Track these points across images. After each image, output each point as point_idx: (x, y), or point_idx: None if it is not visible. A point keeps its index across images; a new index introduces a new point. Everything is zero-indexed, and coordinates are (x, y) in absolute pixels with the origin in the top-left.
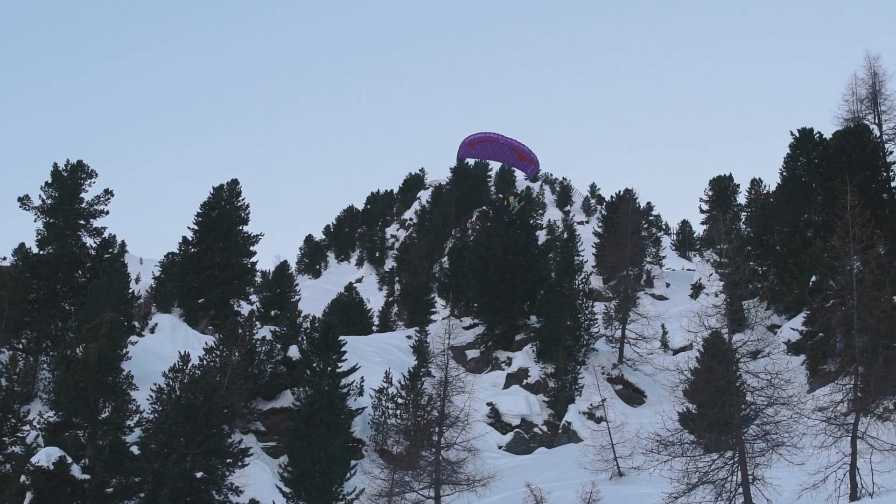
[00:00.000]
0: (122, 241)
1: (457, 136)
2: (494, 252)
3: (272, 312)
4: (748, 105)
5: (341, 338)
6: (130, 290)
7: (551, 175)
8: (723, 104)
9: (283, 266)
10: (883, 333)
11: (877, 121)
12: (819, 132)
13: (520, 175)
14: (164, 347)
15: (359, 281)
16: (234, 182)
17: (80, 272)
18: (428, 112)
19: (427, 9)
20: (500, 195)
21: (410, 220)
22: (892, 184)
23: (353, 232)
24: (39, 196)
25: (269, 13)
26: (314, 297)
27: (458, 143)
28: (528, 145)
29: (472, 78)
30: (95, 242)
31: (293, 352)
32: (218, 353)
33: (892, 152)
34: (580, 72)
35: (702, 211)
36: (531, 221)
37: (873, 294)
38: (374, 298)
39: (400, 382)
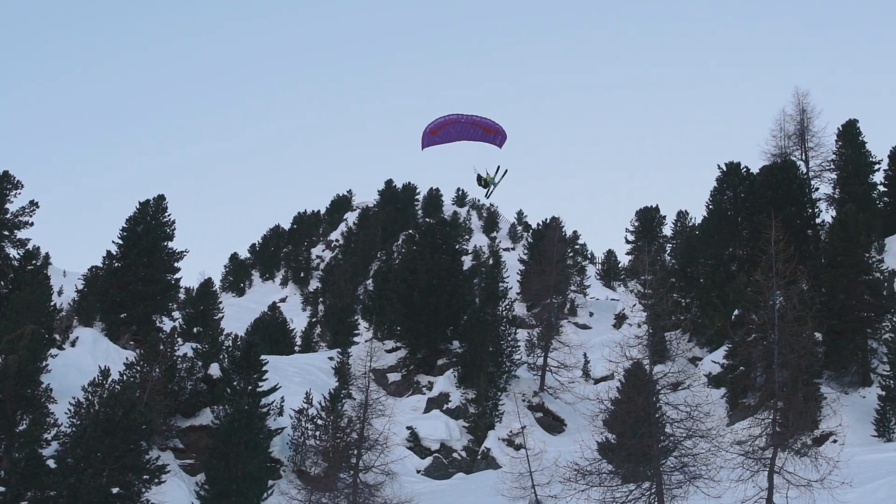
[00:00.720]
0: (46, 254)
1: (385, 159)
2: (419, 276)
3: (194, 329)
4: (677, 136)
5: (263, 357)
6: (52, 303)
7: (478, 201)
8: (652, 134)
9: (208, 283)
10: (803, 369)
11: (804, 157)
12: (746, 167)
13: (447, 200)
14: (84, 361)
15: (283, 301)
16: (161, 198)
17: (2, 283)
18: (357, 134)
19: (354, 32)
20: (428, 219)
21: (336, 241)
22: (817, 220)
23: (279, 251)
24: None
25: (197, 31)
26: (238, 315)
27: (383, 171)
28: (493, 118)
29: (399, 101)
30: (19, 254)
31: (214, 370)
32: (138, 368)
33: (817, 189)
34: (507, 97)
35: (627, 241)
36: (457, 247)
37: (794, 330)
38: (297, 319)
39: (320, 404)
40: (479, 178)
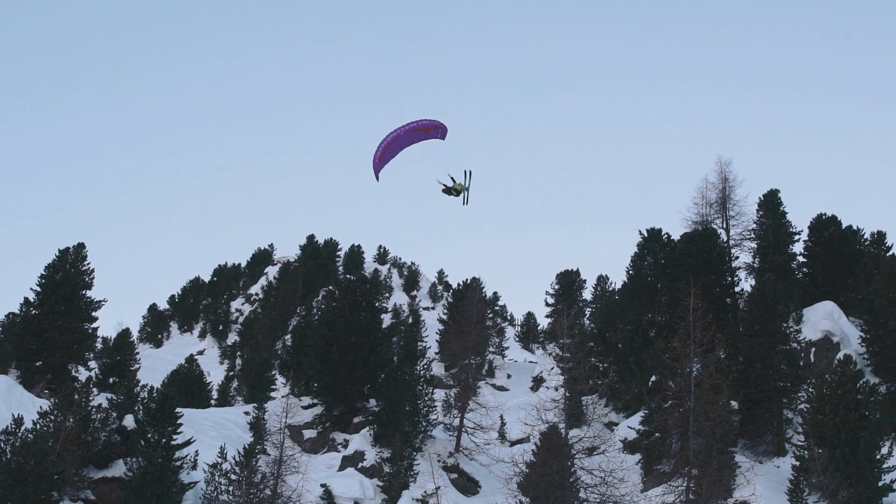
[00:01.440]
0: None
1: (307, 214)
2: (338, 333)
3: (110, 380)
4: (599, 200)
5: (178, 410)
6: None
7: (399, 259)
8: (574, 198)
9: (125, 334)
10: (718, 437)
11: (725, 225)
12: (667, 233)
13: (369, 257)
14: None
15: (200, 353)
16: (80, 246)
17: None
18: (278, 188)
19: (277, 85)
20: (349, 275)
21: (256, 295)
22: (736, 289)
23: (198, 303)
24: None
25: (121, 76)
26: (154, 366)
27: (305, 226)
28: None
29: (323, 156)
30: None
31: (129, 421)
32: (52, 417)
33: (737, 257)
34: (428, 156)
35: (547, 304)
36: (377, 304)
37: (710, 397)
38: (214, 372)
39: (235, 458)
40: (450, 189)
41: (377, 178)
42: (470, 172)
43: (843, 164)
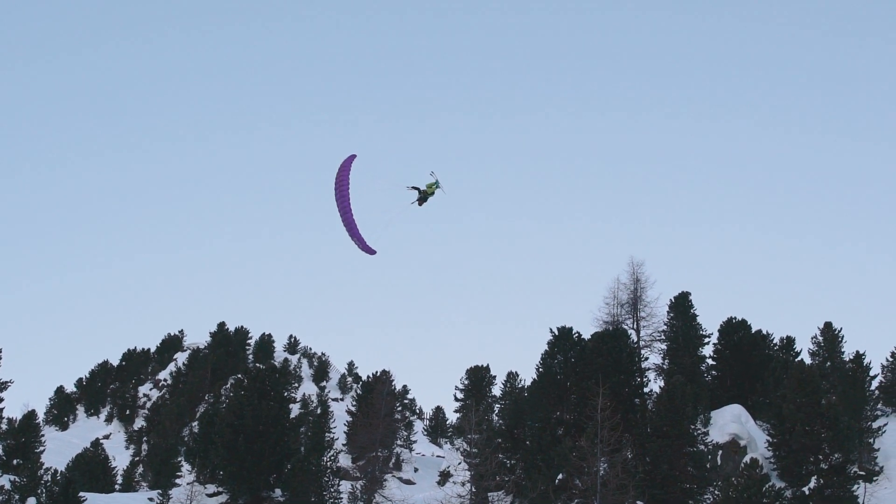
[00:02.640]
0: None
1: (218, 301)
2: (246, 421)
3: (14, 461)
4: (511, 296)
5: (82, 494)
6: None
7: (310, 349)
8: (486, 293)
9: (31, 415)
10: None
11: (635, 326)
12: (578, 332)
13: (279, 346)
14: None
15: (106, 437)
16: None
17: None
18: (190, 275)
19: (183, 175)
20: (258, 364)
21: (165, 380)
22: (646, 389)
23: (106, 387)
24: None
25: (31, 162)
26: (59, 449)
27: (217, 313)
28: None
29: (233, 244)
30: None
31: None
32: None
33: (647, 358)
34: (339, 248)
35: (456, 399)
36: (285, 394)
37: (616, 497)
38: (120, 456)
39: None
40: (424, 195)
41: (371, 250)
42: (433, 172)
43: (754, 268)
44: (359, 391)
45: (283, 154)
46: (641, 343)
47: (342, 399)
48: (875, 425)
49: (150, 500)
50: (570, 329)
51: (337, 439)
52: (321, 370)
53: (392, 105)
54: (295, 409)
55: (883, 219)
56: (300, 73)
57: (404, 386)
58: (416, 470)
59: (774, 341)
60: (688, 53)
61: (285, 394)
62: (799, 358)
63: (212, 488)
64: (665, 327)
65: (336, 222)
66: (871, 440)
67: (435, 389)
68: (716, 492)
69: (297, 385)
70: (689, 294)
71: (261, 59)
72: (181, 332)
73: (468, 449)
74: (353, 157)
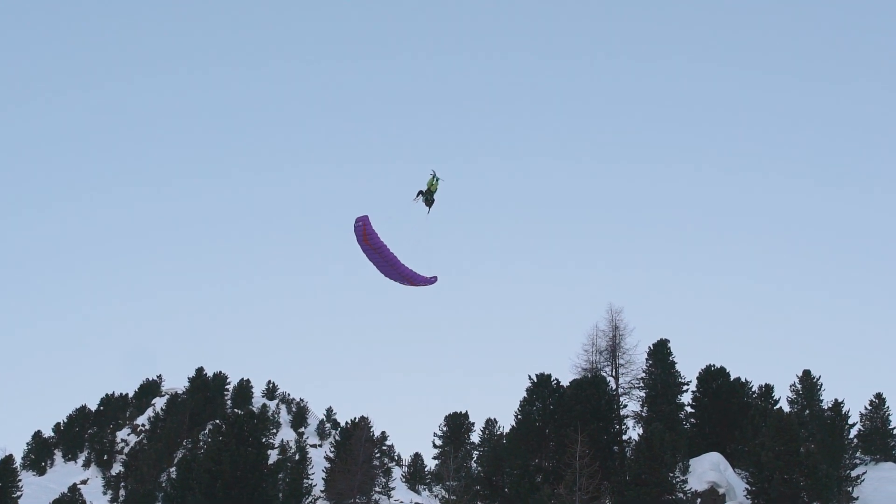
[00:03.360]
0: None
1: (196, 344)
2: (224, 467)
3: None
4: (490, 343)
5: None
6: None
7: (288, 395)
8: (465, 339)
9: (8, 460)
10: None
11: (614, 373)
12: (557, 379)
13: (258, 392)
14: None
15: (84, 483)
16: None
17: None
18: (168, 320)
19: (162, 219)
20: (237, 410)
21: (143, 426)
22: (624, 437)
23: (84, 432)
24: None
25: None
26: (37, 495)
27: (196, 352)
28: None
29: (207, 293)
30: None
31: None
32: None
33: (626, 405)
34: (320, 293)
35: (435, 445)
36: (263, 440)
37: None
38: (97, 502)
39: None
40: (429, 194)
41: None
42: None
43: (733, 315)
44: (337, 437)
45: (262, 199)
46: (620, 390)
47: (320, 445)
48: (854, 473)
49: None
50: (549, 376)
51: (315, 486)
52: (299, 416)
53: (366, 149)
54: (273, 455)
55: (862, 267)
56: (282, 125)
57: (383, 432)
58: None
59: (753, 389)
60: (664, 99)
61: (263, 440)
62: (778, 406)
63: None
64: (644, 374)
65: (315, 266)
66: (850, 488)
67: (414, 436)
68: None
69: (275, 431)
70: (668, 341)
71: (245, 113)
72: (159, 376)
73: (447, 496)
74: (366, 218)
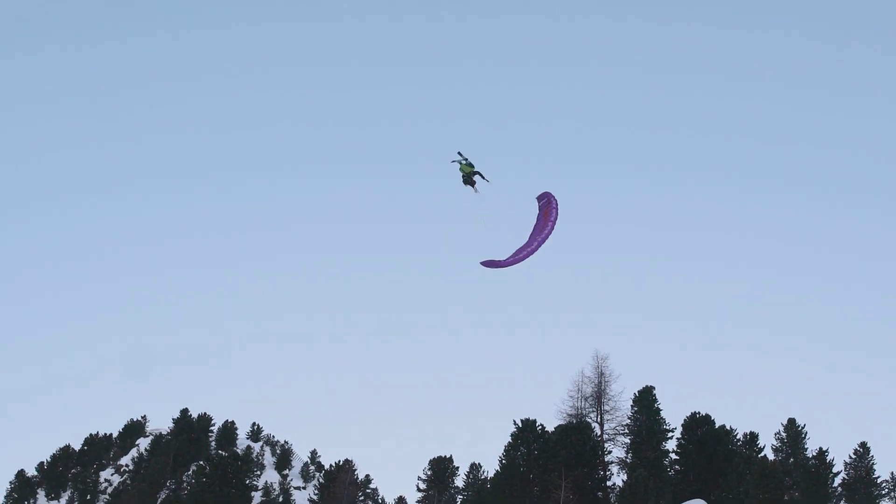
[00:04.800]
0: None
1: (181, 385)
2: None
3: None
4: (475, 387)
5: None
6: None
7: (273, 437)
8: (450, 383)
9: None
10: None
11: (599, 419)
12: (542, 424)
13: (242, 433)
14: None
15: None
16: None
17: None
18: (153, 360)
19: (143, 261)
20: (221, 451)
21: (127, 466)
22: (609, 483)
23: (67, 471)
24: None
25: None
26: None
27: (181, 393)
28: None
29: (192, 334)
30: None
31: None
32: None
33: (610, 452)
34: (307, 332)
35: (419, 489)
36: (247, 482)
37: None
38: None
39: None
40: (468, 175)
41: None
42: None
43: (719, 362)
44: (321, 480)
45: (244, 240)
46: (605, 436)
47: (304, 488)
48: None
49: None
50: (534, 421)
51: None
52: (284, 458)
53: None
54: (257, 497)
55: (847, 315)
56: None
57: (367, 475)
58: None
59: (738, 436)
60: (650, 144)
61: (247, 481)
62: (762, 454)
63: None
64: (629, 421)
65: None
66: None
67: (398, 479)
68: None
69: (259, 473)
70: (654, 388)
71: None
72: (144, 417)
73: None
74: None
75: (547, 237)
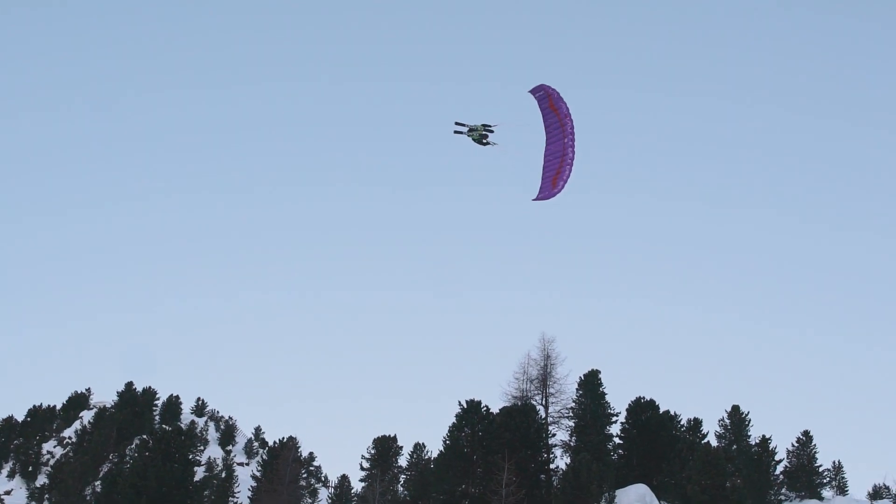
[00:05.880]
0: None
1: (126, 358)
2: (149, 483)
3: None
4: (421, 366)
5: None
6: None
7: (217, 412)
8: (396, 363)
9: None
10: None
11: (544, 402)
12: (487, 406)
13: (187, 408)
14: None
15: (8, 493)
16: None
17: None
18: (98, 333)
19: (93, 234)
20: (165, 426)
21: (70, 438)
22: (552, 465)
23: (10, 443)
24: None
25: None
26: None
27: (126, 366)
28: None
29: (139, 307)
30: None
31: None
32: None
33: (555, 435)
34: (255, 308)
35: (362, 468)
36: (190, 457)
37: None
38: None
39: None
40: (480, 137)
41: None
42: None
43: (665, 348)
44: (265, 456)
45: (193, 217)
46: (549, 419)
47: (248, 464)
48: None
49: None
50: (479, 402)
51: (240, 503)
52: (228, 434)
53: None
54: (200, 473)
55: (793, 305)
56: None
57: (311, 453)
58: None
59: (682, 422)
60: (595, 125)
61: (190, 456)
62: (706, 440)
63: None
64: (574, 404)
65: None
66: None
67: (342, 457)
68: None
69: (202, 448)
70: (599, 372)
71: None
72: (88, 389)
73: None
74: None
75: (572, 147)
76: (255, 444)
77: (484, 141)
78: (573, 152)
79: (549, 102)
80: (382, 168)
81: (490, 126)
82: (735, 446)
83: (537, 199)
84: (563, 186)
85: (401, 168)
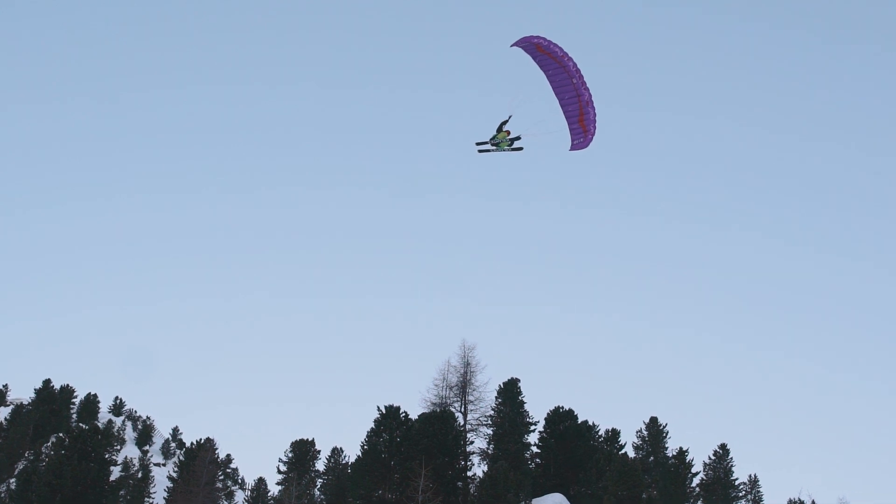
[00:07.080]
0: None
1: (44, 355)
2: (65, 482)
3: None
4: (340, 370)
5: None
6: None
7: (135, 412)
8: (315, 366)
9: None
10: None
11: (463, 409)
12: (405, 411)
13: (104, 407)
14: None
15: None
16: None
17: None
18: (17, 329)
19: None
20: (82, 424)
21: None
22: (469, 473)
23: None
24: None
25: None
26: None
27: (44, 363)
28: None
29: (58, 304)
30: None
31: None
32: None
33: (473, 442)
34: (175, 308)
35: (279, 471)
36: (106, 456)
37: None
38: None
39: None
40: (508, 144)
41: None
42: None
43: (584, 358)
44: (182, 457)
45: (116, 220)
46: (468, 427)
47: (164, 464)
48: None
49: None
50: (398, 408)
51: None
52: (145, 434)
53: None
54: (116, 472)
55: (712, 317)
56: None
57: (228, 455)
58: None
59: (600, 433)
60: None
61: (107, 456)
62: (623, 451)
63: None
64: (492, 412)
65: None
66: None
67: (259, 460)
68: None
69: (119, 448)
70: (519, 381)
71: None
72: (5, 386)
73: None
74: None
75: (584, 85)
76: (173, 444)
77: (515, 145)
78: (588, 92)
79: (538, 49)
80: (300, 170)
81: (506, 121)
82: (652, 458)
83: (573, 148)
84: (594, 130)
85: (328, 166)
